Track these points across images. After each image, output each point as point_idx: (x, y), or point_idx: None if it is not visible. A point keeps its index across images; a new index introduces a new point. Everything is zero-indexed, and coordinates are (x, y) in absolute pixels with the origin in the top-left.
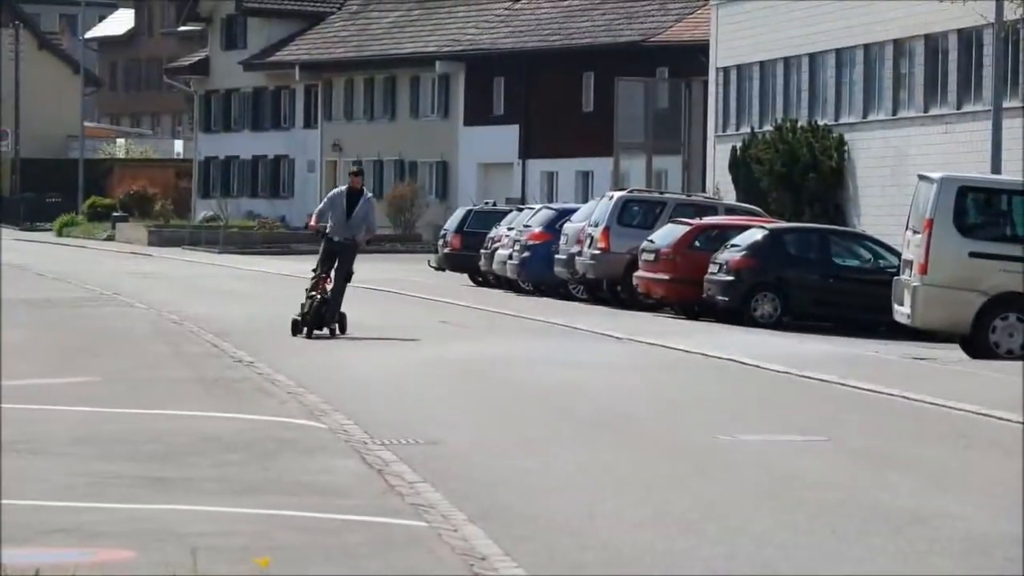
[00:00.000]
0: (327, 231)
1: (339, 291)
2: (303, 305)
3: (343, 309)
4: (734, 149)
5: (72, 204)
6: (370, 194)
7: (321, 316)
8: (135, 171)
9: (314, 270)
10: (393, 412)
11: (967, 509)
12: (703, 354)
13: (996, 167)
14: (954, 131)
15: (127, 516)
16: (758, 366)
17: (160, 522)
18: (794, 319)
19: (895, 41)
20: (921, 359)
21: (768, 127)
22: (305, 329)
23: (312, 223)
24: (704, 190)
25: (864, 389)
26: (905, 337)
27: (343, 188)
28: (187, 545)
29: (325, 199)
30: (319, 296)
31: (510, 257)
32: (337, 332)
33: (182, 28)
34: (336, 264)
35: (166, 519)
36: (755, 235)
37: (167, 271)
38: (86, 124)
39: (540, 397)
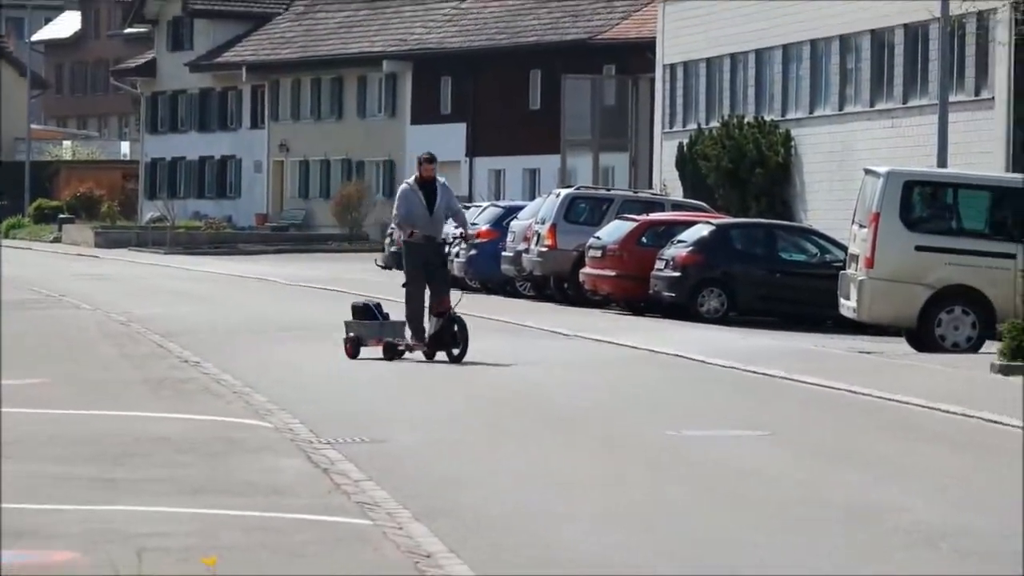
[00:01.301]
0: (418, 233)
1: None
2: (401, 325)
3: (399, 317)
4: (681, 146)
5: (18, 206)
6: (443, 179)
7: (453, 336)
8: (82, 173)
9: (404, 285)
10: (339, 411)
11: (915, 502)
12: (650, 350)
13: (942, 161)
14: (900, 125)
15: (74, 517)
16: (704, 361)
17: (107, 523)
18: (740, 314)
19: (841, 36)
20: (867, 353)
21: (715, 123)
22: (425, 351)
23: (406, 228)
24: (651, 187)
25: (810, 384)
26: (851, 331)
27: (411, 182)
28: (134, 546)
29: (399, 201)
30: (449, 313)
31: (457, 255)
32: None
33: (128, 30)
34: (435, 271)
35: (113, 520)
36: (701, 231)
37: (114, 272)
38: (32, 126)
39: (487, 395)
